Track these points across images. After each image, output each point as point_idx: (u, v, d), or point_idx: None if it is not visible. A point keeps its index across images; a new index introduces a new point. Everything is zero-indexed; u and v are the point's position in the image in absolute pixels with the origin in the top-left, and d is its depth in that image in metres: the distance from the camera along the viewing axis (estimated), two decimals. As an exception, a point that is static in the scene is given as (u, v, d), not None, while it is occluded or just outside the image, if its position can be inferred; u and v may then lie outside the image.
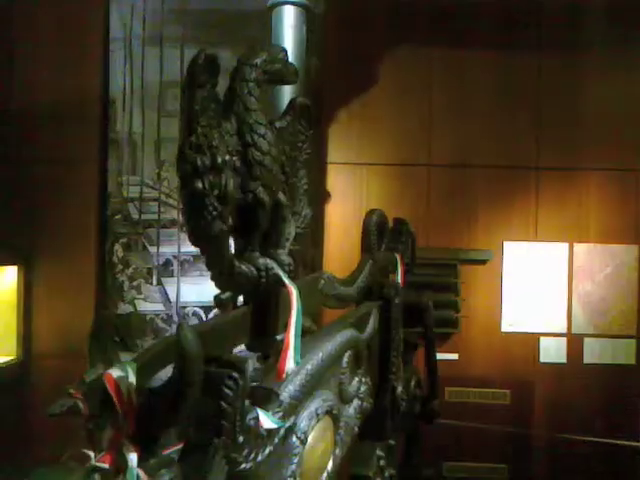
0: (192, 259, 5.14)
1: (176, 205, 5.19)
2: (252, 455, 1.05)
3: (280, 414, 1.13)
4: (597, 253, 4.93)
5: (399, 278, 1.84)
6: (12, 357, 5.14)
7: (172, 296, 5.19)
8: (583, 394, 4.84)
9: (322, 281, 1.38)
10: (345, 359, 1.48)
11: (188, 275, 5.14)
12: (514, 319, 4.95)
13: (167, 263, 5.23)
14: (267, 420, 1.10)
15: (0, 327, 5.13)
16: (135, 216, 5.23)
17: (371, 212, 1.75)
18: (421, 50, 5.05)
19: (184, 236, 5.19)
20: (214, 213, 0.97)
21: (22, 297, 5.16)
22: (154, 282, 5.17)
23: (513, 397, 4.93)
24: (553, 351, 4.92)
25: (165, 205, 5.23)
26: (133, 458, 0.77)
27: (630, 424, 4.68)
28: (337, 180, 5.08)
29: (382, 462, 1.75)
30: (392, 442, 1.82)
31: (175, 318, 5.25)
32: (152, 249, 5.18)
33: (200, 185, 0.96)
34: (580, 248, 4.94)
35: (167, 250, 5.23)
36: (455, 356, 4.90)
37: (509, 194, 4.99)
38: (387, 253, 1.82)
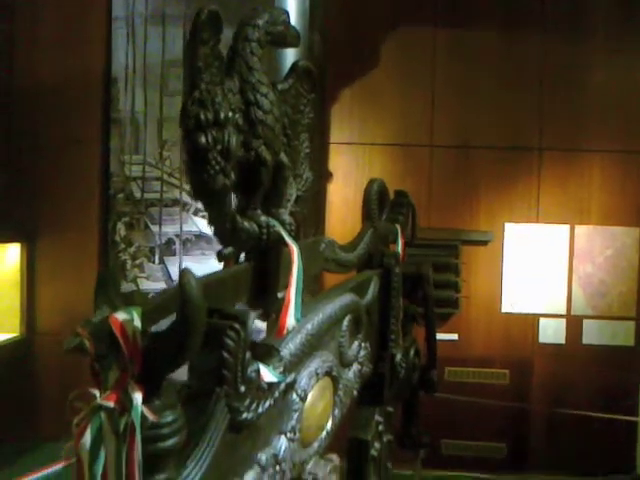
0: (194, 238, 5.16)
1: (178, 184, 5.20)
2: (253, 406, 1.07)
3: (281, 369, 1.16)
4: (598, 235, 4.94)
5: (399, 249, 1.87)
6: (15, 334, 5.19)
7: (174, 275, 5.22)
8: (581, 374, 4.87)
9: (323, 244, 1.40)
10: (345, 323, 1.51)
11: (190, 254, 5.16)
12: (514, 300, 4.98)
13: (169, 242, 5.26)
14: (268, 374, 1.12)
15: (3, 304, 5.18)
16: (138, 195, 5.25)
17: (372, 181, 1.77)
18: (425, 31, 5.03)
19: (186, 215, 5.22)
20: (217, 167, 0.99)
21: (25, 275, 5.20)
22: (156, 261, 5.21)
23: (512, 377, 4.97)
24: (552, 332, 4.96)
25: (167, 184, 5.25)
26: (138, 397, 0.80)
27: (627, 404, 4.72)
28: (339, 160, 5.09)
29: (381, 427, 1.79)
30: (390, 409, 1.85)
31: (177, 297, 5.27)
32: (154, 228, 5.20)
33: (203, 139, 0.97)
34: (581, 230, 4.95)
35: (169, 229, 5.25)
36: (455, 336, 4.94)
37: (511, 175, 5.00)
38: (388, 223, 1.84)
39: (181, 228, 5.21)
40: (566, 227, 4.95)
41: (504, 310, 4.99)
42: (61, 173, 5.21)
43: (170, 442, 0.85)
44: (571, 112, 4.96)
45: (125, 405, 0.80)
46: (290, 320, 1.12)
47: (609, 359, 4.88)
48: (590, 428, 4.83)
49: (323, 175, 4.97)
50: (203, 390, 1.00)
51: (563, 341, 4.96)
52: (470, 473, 4.80)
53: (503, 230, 4.99)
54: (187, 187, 4.88)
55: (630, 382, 4.80)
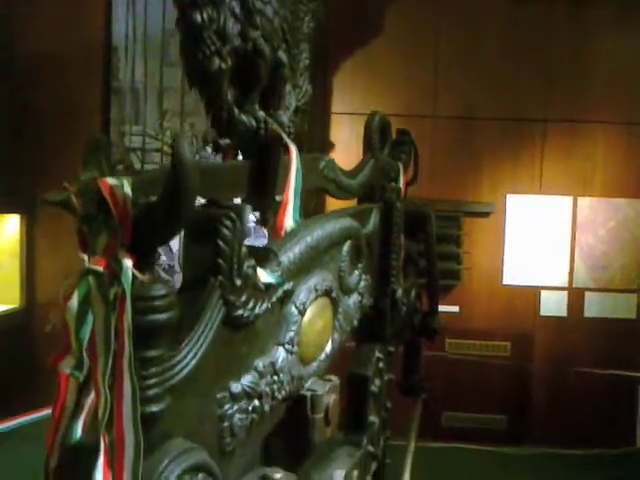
0: (194, 208, 5.12)
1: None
2: (250, 304, 1.04)
3: (278, 273, 1.13)
4: (601, 207, 4.90)
5: (401, 186, 1.83)
6: (15, 305, 5.17)
7: (174, 247, 5.18)
8: (583, 347, 4.85)
9: (322, 162, 1.37)
10: (345, 248, 1.48)
11: (190, 224, 5.12)
12: (516, 272, 4.95)
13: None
14: (265, 275, 1.09)
15: (3, 276, 5.16)
16: (137, 166, 5.21)
17: (374, 113, 1.73)
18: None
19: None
20: (212, 48, 0.95)
21: (24, 245, 5.17)
22: (156, 231, 5.16)
23: (513, 350, 4.94)
24: (554, 304, 4.93)
25: (168, 155, 5.20)
26: (128, 263, 0.77)
27: (629, 378, 4.70)
28: (341, 130, 5.04)
29: (381, 365, 1.76)
30: (392, 348, 1.83)
31: (177, 268, 5.24)
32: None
33: (198, 17, 0.94)
34: (584, 202, 4.91)
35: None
36: (456, 308, 4.91)
37: (514, 147, 4.95)
38: (390, 159, 1.81)
39: (181, 199, 5.16)
40: (569, 199, 4.91)
41: (505, 282, 4.96)
42: (61, 144, 5.16)
43: (162, 316, 0.82)
44: (575, 83, 4.90)
45: (115, 272, 0.77)
46: (288, 220, 1.09)
47: (611, 332, 4.85)
48: (591, 401, 4.82)
49: (325, 146, 4.93)
50: (197, 280, 0.97)
51: (565, 314, 4.93)
52: (470, 445, 4.79)
53: (505, 202, 4.95)
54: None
55: (632, 355, 4.78)
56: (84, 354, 0.76)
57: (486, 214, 4.96)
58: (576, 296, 4.92)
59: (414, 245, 1.92)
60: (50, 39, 5.11)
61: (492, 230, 4.94)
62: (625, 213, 4.88)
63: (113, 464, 0.77)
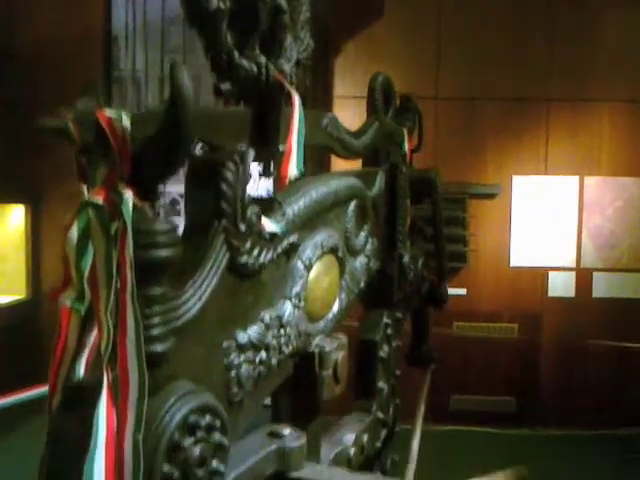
0: (198, 195, 5.10)
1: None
2: (255, 252, 1.02)
3: (283, 223, 1.11)
4: (607, 186, 4.85)
5: (406, 151, 1.81)
6: (22, 296, 5.17)
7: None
8: (591, 328, 4.81)
9: (325, 119, 1.34)
10: (351, 207, 1.46)
11: (194, 211, 5.11)
12: (523, 253, 4.91)
13: (173, 202, 5.21)
14: (269, 223, 1.07)
15: (10, 266, 5.16)
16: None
17: (377, 73, 1.70)
18: (429, -20, 4.92)
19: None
20: (211, -14, 0.93)
21: (29, 236, 5.17)
22: (161, 220, 5.15)
23: (521, 331, 4.91)
24: (561, 285, 4.89)
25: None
26: (128, 195, 0.75)
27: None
28: (344, 114, 4.93)
29: (389, 331, 1.74)
30: (399, 315, 1.81)
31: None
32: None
33: (196, -45, 0.92)
34: (590, 181, 4.86)
35: (173, 189, 5.20)
36: (463, 291, 4.88)
37: (519, 127, 4.90)
38: (394, 124, 1.78)
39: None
40: (575, 178, 4.86)
41: (513, 264, 4.92)
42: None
43: (165, 252, 0.81)
44: (579, 62, 4.85)
45: (115, 204, 0.75)
46: (292, 169, 1.07)
47: (620, 312, 4.81)
48: (601, 381, 4.79)
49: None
50: (200, 225, 0.95)
51: (573, 294, 4.89)
52: (479, 427, 4.77)
53: (511, 183, 4.91)
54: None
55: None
56: (85, 286, 0.74)
57: (492, 196, 4.92)
58: (584, 276, 4.88)
59: (420, 213, 1.90)
60: (51, 29, 5.10)
61: (498, 212, 4.91)
62: (632, 192, 4.84)
63: (117, 402, 0.75)
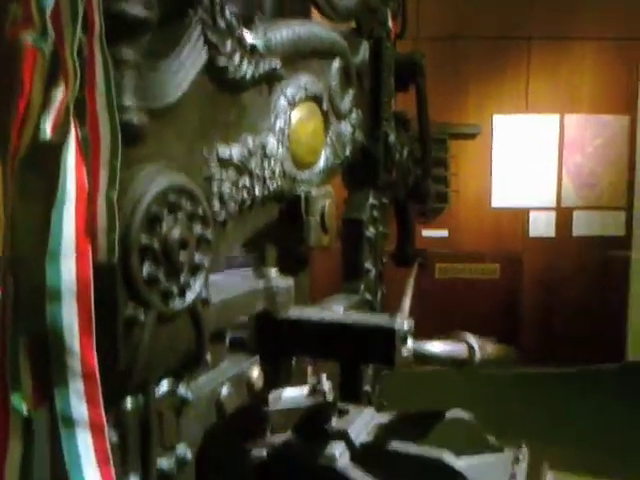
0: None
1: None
2: (235, 59, 0.95)
3: (263, 41, 1.04)
4: (588, 124, 4.84)
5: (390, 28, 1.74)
6: None
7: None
8: (572, 266, 4.85)
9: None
10: (335, 65, 1.39)
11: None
12: (504, 194, 4.91)
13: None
14: (250, 35, 1.00)
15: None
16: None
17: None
18: None
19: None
20: None
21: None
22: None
23: (502, 271, 4.93)
24: (542, 225, 4.90)
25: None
26: None
27: (618, 287, 4.71)
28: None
29: (375, 213, 1.69)
30: (385, 200, 1.75)
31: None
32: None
33: None
34: (571, 120, 4.85)
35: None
36: (445, 232, 4.86)
37: (500, 66, 4.85)
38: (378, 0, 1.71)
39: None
40: (556, 117, 4.85)
41: (494, 205, 4.92)
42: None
43: (138, 10, 0.73)
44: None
45: None
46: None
47: (600, 249, 4.84)
48: (579, 319, 4.84)
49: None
50: (173, 12, 0.87)
51: (553, 234, 4.91)
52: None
53: (492, 122, 4.88)
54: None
55: (620, 271, 4.79)
56: (48, 24, 0.66)
57: (472, 136, 4.87)
58: (564, 215, 4.90)
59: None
60: None
61: (479, 152, 4.88)
62: (612, 129, 4.84)
63: (88, 159, 0.69)
